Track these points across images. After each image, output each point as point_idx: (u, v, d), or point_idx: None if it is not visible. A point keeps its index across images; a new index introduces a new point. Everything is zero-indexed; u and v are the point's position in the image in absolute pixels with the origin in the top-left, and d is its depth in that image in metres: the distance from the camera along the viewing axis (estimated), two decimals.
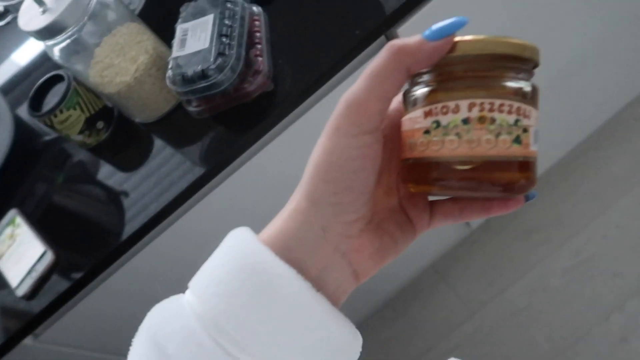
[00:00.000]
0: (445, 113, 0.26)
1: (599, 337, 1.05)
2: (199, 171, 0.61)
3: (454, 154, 0.25)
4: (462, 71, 0.26)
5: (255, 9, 0.65)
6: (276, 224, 0.26)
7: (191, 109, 0.62)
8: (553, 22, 0.79)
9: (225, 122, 0.62)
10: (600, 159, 1.17)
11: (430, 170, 0.27)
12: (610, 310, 1.06)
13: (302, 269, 0.25)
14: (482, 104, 0.25)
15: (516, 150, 0.25)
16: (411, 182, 0.28)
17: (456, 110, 0.25)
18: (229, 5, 0.61)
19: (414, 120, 0.27)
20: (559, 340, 1.07)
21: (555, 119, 1.01)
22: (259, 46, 0.61)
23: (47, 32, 0.58)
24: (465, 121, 0.25)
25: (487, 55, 0.25)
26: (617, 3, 0.85)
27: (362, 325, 1.23)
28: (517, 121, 0.25)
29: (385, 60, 0.25)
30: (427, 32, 0.25)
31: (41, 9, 0.58)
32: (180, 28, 0.62)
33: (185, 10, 0.64)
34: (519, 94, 0.26)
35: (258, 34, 0.62)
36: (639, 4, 0.88)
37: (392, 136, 0.29)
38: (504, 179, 0.26)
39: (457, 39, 0.25)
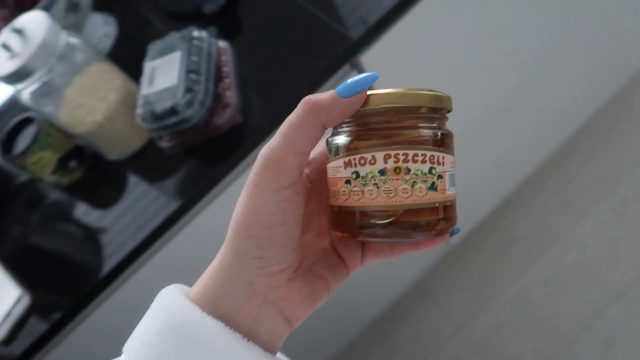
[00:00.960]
0: (363, 164, 0.27)
1: (583, 344, 1.06)
2: (174, 205, 0.61)
3: (374, 203, 0.27)
4: (377, 123, 0.27)
5: (222, 44, 0.66)
6: (204, 280, 0.27)
7: (163, 144, 0.63)
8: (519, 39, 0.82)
9: (198, 155, 0.63)
10: (571, 170, 1.20)
11: (353, 219, 0.28)
12: (592, 318, 1.07)
13: (231, 323, 0.26)
14: (396, 155, 0.26)
15: (433, 197, 0.27)
16: (337, 229, 0.29)
17: (373, 161, 0.27)
18: (195, 41, 0.62)
19: (336, 169, 0.28)
20: (545, 351, 1.08)
21: (525, 134, 1.03)
22: (227, 80, 0.63)
23: (15, 77, 0.58)
24: (382, 172, 0.26)
25: (400, 108, 0.27)
26: None
27: (350, 347, 1.23)
28: (431, 169, 0.27)
29: (301, 117, 0.26)
30: (339, 88, 0.26)
31: (9, 54, 0.58)
32: (148, 66, 0.63)
33: (152, 48, 0.65)
34: (432, 143, 0.27)
35: (226, 68, 0.64)
36: None
37: (321, 179, 0.31)
38: (424, 225, 0.27)
39: (371, 92, 0.27)
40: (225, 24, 0.71)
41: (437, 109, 0.28)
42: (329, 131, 0.29)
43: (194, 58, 0.61)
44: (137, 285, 0.68)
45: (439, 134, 0.28)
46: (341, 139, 0.28)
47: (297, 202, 0.27)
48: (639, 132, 1.18)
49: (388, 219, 0.27)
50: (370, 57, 0.64)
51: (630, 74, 1.18)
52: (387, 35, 0.63)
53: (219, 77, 0.63)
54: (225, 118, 0.61)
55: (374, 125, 0.27)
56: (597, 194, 1.16)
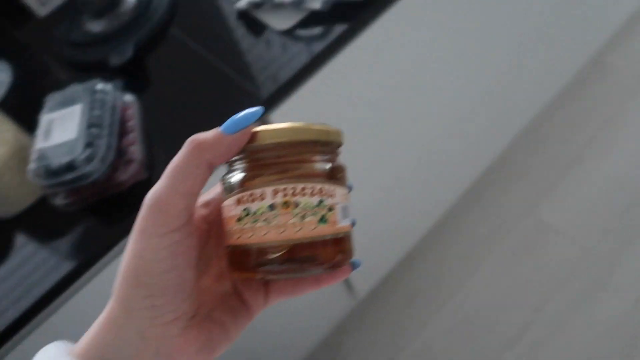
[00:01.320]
0: (253, 200, 0.27)
1: None
2: (65, 268, 0.56)
3: (265, 240, 0.26)
4: (267, 159, 0.27)
5: (128, 97, 0.65)
6: (90, 335, 0.26)
7: (58, 201, 0.58)
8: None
9: (96, 213, 0.59)
10: (468, 222, 1.29)
11: (247, 258, 0.27)
12: None
13: None
14: (284, 189, 0.26)
15: (323, 230, 0.27)
16: (234, 269, 0.28)
17: (262, 197, 0.26)
18: (99, 94, 0.60)
19: (229, 207, 0.28)
20: None
21: (424, 190, 1.10)
22: (132, 135, 0.61)
23: None
24: (271, 207, 0.26)
25: (288, 142, 0.27)
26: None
27: None
28: (320, 202, 0.27)
29: (185, 157, 0.25)
30: (224, 125, 0.26)
31: None
32: (45, 118, 0.60)
33: (51, 99, 0.62)
34: (321, 176, 0.27)
35: (131, 123, 0.62)
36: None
37: (220, 220, 0.30)
38: (318, 258, 0.27)
39: (258, 128, 0.27)
40: (132, 77, 0.69)
41: (326, 143, 0.28)
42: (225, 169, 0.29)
43: (97, 111, 0.58)
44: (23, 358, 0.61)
45: (328, 167, 0.28)
46: (234, 177, 0.28)
47: (189, 245, 0.26)
48: (522, 186, 1.31)
49: (280, 254, 0.27)
50: (280, 114, 0.65)
51: (510, 137, 1.31)
52: (297, 93, 0.66)
53: (123, 132, 0.60)
54: (128, 174, 0.58)
55: (264, 161, 0.27)
56: (490, 244, 1.25)
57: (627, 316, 1.09)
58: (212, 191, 0.31)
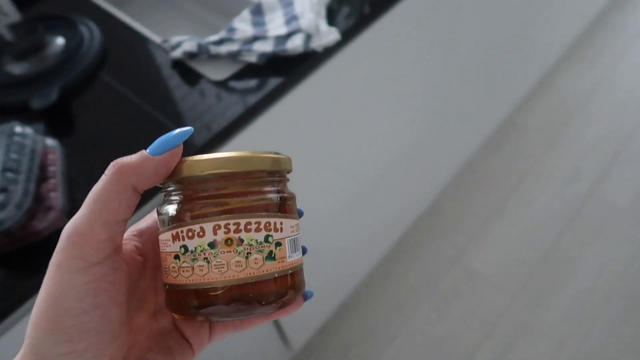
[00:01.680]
0: (192, 237, 0.24)
1: None
2: None
3: (205, 280, 0.24)
4: (206, 190, 0.24)
5: (50, 141, 0.61)
6: None
7: None
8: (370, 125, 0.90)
9: (8, 265, 0.54)
10: (399, 273, 1.31)
11: (187, 299, 0.25)
12: None
13: None
14: (227, 225, 0.24)
15: (271, 267, 0.24)
16: (173, 310, 0.26)
17: (202, 233, 0.24)
18: (17, 137, 0.56)
19: (165, 242, 0.25)
20: None
21: (356, 241, 1.11)
22: (52, 180, 0.57)
23: None
24: (212, 245, 0.24)
25: (229, 174, 0.24)
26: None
27: None
28: (267, 237, 0.24)
29: (108, 182, 0.23)
30: (150, 146, 0.24)
31: None
32: None
33: None
34: (267, 208, 0.25)
35: (52, 168, 0.58)
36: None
37: (157, 252, 0.27)
38: (267, 298, 0.25)
39: (200, 157, 0.24)
40: (55, 121, 0.66)
41: (273, 172, 0.26)
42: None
43: (13, 155, 0.55)
44: None
45: (276, 198, 0.25)
46: (170, 209, 0.25)
47: (115, 280, 0.23)
48: (450, 236, 1.36)
49: (223, 296, 0.24)
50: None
51: (439, 187, 1.37)
52: (231, 142, 0.65)
53: (43, 177, 0.57)
54: (47, 222, 0.54)
55: (203, 194, 0.24)
56: (421, 293, 1.27)
57: (552, 359, 1.13)
58: (147, 219, 0.28)
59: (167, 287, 0.25)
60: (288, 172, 0.27)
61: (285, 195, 0.26)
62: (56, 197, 0.56)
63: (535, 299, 1.23)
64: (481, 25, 1.08)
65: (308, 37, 0.67)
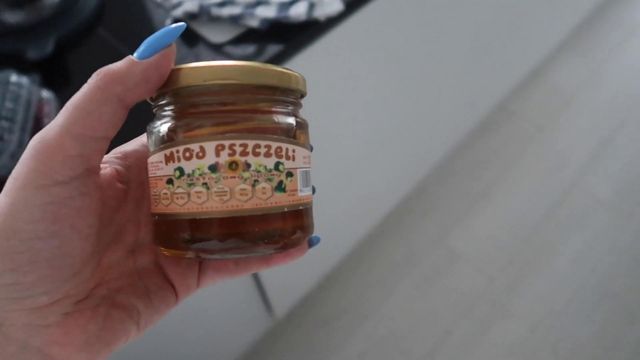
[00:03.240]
0: (189, 158, 0.21)
1: None
2: None
3: (203, 209, 0.20)
4: (208, 105, 0.21)
5: (45, 93, 0.60)
6: None
7: None
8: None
9: None
10: (383, 249, 1.33)
11: (178, 231, 0.21)
12: None
13: None
14: (232, 145, 0.20)
15: (280, 200, 0.21)
16: (160, 244, 0.22)
17: (201, 154, 0.20)
18: (12, 86, 0.56)
19: (156, 165, 0.22)
20: None
21: (342, 216, 1.12)
22: None
23: None
24: (214, 168, 0.20)
25: (237, 86, 0.21)
26: None
27: None
28: (278, 165, 0.21)
29: (90, 90, 0.19)
30: (138, 50, 0.20)
31: None
32: None
33: None
34: (279, 132, 0.21)
35: (47, 120, 0.58)
36: None
37: (142, 180, 0.24)
38: (272, 236, 0.21)
39: (203, 64, 0.21)
40: (51, 73, 0.65)
41: (288, 90, 0.22)
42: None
43: (9, 104, 0.54)
44: None
45: (289, 121, 0.22)
46: (163, 127, 0.21)
47: (82, 207, 0.20)
48: (434, 217, 1.38)
49: (221, 229, 0.20)
50: None
51: (424, 171, 1.39)
52: None
53: (37, 128, 0.56)
54: None
55: (205, 108, 0.21)
56: (403, 271, 1.30)
57: (525, 340, 1.17)
58: (135, 141, 0.25)
59: (156, 217, 0.22)
60: (302, 97, 0.24)
61: (299, 120, 0.23)
62: None
63: (513, 282, 1.26)
64: (481, 9, 1.08)
65: (311, 6, 0.66)
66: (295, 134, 0.22)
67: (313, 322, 1.24)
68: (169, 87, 0.21)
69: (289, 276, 1.04)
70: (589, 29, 1.78)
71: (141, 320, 0.23)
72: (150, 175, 0.22)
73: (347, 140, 0.95)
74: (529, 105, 1.60)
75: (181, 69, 0.21)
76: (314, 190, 0.26)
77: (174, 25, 0.21)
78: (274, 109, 0.22)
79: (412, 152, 1.23)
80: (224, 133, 0.20)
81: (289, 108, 0.23)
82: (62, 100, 0.62)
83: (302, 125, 0.23)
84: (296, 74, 0.23)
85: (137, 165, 0.24)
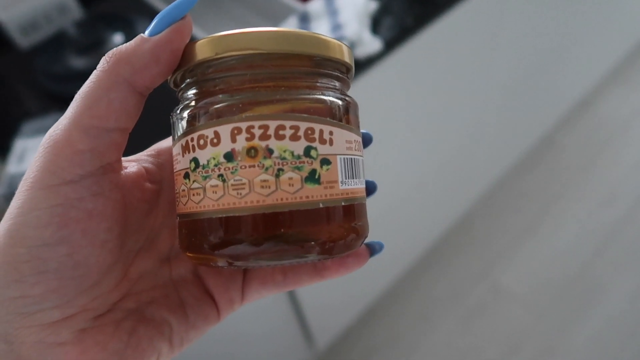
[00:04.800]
0: (203, 146, 0.17)
1: None
2: None
3: (219, 207, 0.17)
4: (222, 82, 0.18)
5: None
6: None
7: None
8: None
9: None
10: (426, 282, 1.31)
11: (197, 233, 0.18)
12: None
13: None
14: (249, 128, 0.17)
15: (313, 192, 0.17)
16: (186, 249, 0.19)
17: (216, 140, 0.17)
18: None
19: (176, 158, 0.19)
20: None
21: (385, 248, 1.12)
22: None
23: None
24: (229, 156, 0.17)
25: (257, 56, 0.17)
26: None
27: None
28: (309, 149, 0.17)
29: (97, 75, 0.17)
30: (149, 27, 0.18)
31: None
32: (20, 144, 0.60)
33: (27, 127, 0.62)
34: (313, 110, 0.18)
35: None
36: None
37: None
38: (313, 238, 0.17)
39: (218, 34, 0.18)
40: None
41: (326, 62, 0.18)
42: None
43: None
44: None
45: (326, 97, 0.18)
46: (182, 112, 0.19)
47: (95, 209, 0.17)
48: (479, 251, 1.35)
49: (246, 229, 0.17)
50: None
51: (468, 204, 1.37)
52: None
53: None
54: None
55: (222, 86, 0.18)
56: (446, 306, 1.27)
57: None
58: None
59: (178, 218, 0.20)
60: (348, 71, 0.20)
61: (341, 96, 0.19)
62: None
63: (563, 322, 1.21)
64: (524, 40, 1.08)
65: (352, 46, 0.70)
66: (337, 114, 0.18)
67: (355, 356, 1.23)
68: (183, 65, 0.18)
69: (330, 305, 1.04)
70: (636, 59, 1.74)
71: (174, 337, 0.20)
72: (174, 171, 0.20)
73: (390, 175, 0.96)
74: (577, 137, 1.57)
75: (195, 42, 0.18)
76: (374, 188, 0.22)
77: None
78: (307, 82, 0.18)
79: (455, 185, 1.23)
80: (241, 114, 0.17)
81: (328, 83, 0.19)
82: None
83: (347, 105, 0.19)
84: (339, 42, 0.19)
85: (171, 163, 0.21)
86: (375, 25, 0.75)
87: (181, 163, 0.18)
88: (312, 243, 0.17)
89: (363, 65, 0.72)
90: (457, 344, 1.21)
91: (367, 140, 0.23)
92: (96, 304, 0.18)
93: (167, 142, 0.22)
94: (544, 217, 1.40)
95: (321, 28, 0.73)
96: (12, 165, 0.57)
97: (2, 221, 0.17)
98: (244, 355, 0.88)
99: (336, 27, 0.72)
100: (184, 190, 0.18)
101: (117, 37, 0.77)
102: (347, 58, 0.19)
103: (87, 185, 0.17)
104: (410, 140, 0.96)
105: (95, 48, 0.77)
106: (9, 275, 0.16)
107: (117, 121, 0.17)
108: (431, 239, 1.32)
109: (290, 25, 0.74)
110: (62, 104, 0.72)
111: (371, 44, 0.71)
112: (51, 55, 0.78)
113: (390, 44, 0.74)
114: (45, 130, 0.60)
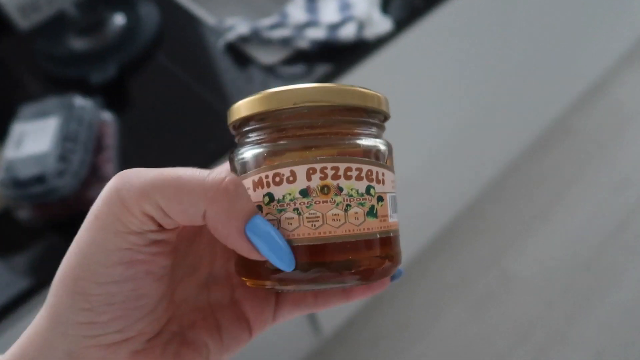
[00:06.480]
0: (279, 183, 0.20)
1: None
2: (22, 285, 0.53)
3: (294, 236, 0.20)
4: (297, 128, 0.21)
5: (107, 115, 0.64)
6: (14, 350, 0.20)
7: (22, 215, 0.56)
8: None
9: (62, 231, 0.57)
10: (435, 269, 1.30)
11: (264, 260, 0.20)
12: None
13: None
14: (323, 169, 0.20)
15: (372, 225, 0.20)
16: (243, 274, 0.22)
17: (292, 178, 0.20)
18: (76, 110, 0.59)
19: None
20: None
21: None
22: (107, 153, 0.59)
23: None
24: (305, 193, 0.20)
25: (326, 108, 0.20)
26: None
27: None
28: (369, 188, 0.20)
29: (197, 186, 0.19)
30: (254, 225, 0.19)
31: None
32: (17, 128, 0.58)
33: (25, 110, 0.60)
34: (369, 154, 0.21)
35: (107, 141, 0.61)
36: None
37: None
38: (362, 264, 0.20)
39: (288, 87, 0.21)
40: (112, 96, 0.68)
41: (375, 112, 0.22)
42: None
43: (73, 126, 0.57)
44: None
45: (378, 144, 0.22)
46: (249, 153, 0.21)
47: (157, 252, 0.19)
48: (488, 238, 1.33)
49: (313, 257, 0.20)
50: None
51: (478, 189, 1.35)
52: None
53: (98, 149, 0.59)
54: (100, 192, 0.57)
55: (294, 132, 0.20)
56: (455, 293, 1.26)
57: None
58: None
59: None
60: (386, 119, 0.23)
61: (385, 143, 0.22)
62: (110, 169, 0.58)
63: (574, 308, 1.19)
64: (538, 22, 1.05)
65: (361, 26, 0.67)
66: (383, 158, 0.22)
67: (362, 342, 1.22)
68: (256, 110, 0.21)
69: None
70: None
71: (210, 358, 0.22)
72: None
73: (399, 159, 0.94)
74: (590, 121, 1.53)
75: (267, 93, 0.21)
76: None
77: (289, 259, 0.20)
78: (363, 131, 0.21)
79: (466, 170, 1.20)
80: (315, 156, 0.20)
81: (376, 130, 0.22)
82: (121, 122, 0.65)
83: (389, 149, 0.22)
84: (380, 95, 0.22)
85: None
86: (385, 4, 0.72)
87: (252, 196, 0.20)
88: (365, 269, 0.20)
89: (373, 46, 0.69)
90: (466, 331, 1.20)
91: None
92: (150, 328, 0.20)
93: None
94: (556, 203, 1.37)
95: (329, 8, 0.70)
96: (9, 150, 0.55)
97: (70, 253, 0.19)
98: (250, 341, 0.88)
99: (344, 6, 0.69)
100: None
101: (118, 18, 0.75)
102: (387, 108, 0.23)
103: (152, 236, 0.19)
104: (420, 123, 0.94)
105: (96, 29, 0.74)
106: (79, 304, 0.18)
107: (184, 221, 0.19)
108: (441, 225, 1.30)
109: (296, 5, 0.71)
110: (62, 86, 0.71)
111: (381, 24, 0.68)
112: (51, 37, 0.76)
113: (401, 24, 0.71)
114: (44, 114, 0.59)
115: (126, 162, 0.61)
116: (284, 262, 0.19)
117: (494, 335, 1.18)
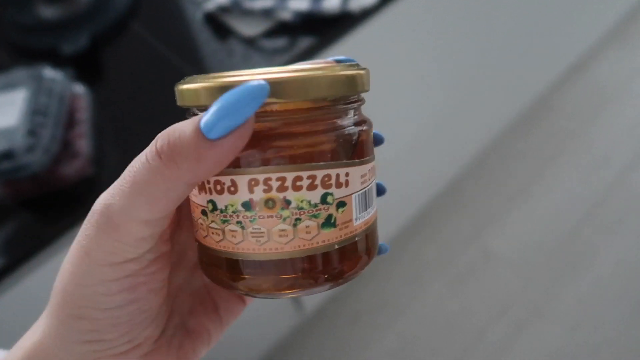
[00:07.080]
0: (220, 192, 0.18)
1: None
2: None
3: (239, 250, 0.18)
4: None
5: (79, 88, 0.61)
6: (19, 356, 0.20)
7: None
8: None
9: (33, 209, 0.55)
10: (416, 246, 1.30)
11: (218, 268, 0.19)
12: None
13: None
14: (267, 180, 0.17)
15: (328, 236, 0.18)
16: (206, 272, 0.21)
17: (234, 189, 0.17)
18: (46, 82, 0.56)
19: (194, 190, 0.19)
20: None
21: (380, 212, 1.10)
22: (79, 127, 0.57)
23: None
24: (247, 206, 0.17)
25: (274, 106, 0.17)
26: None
27: None
28: (326, 196, 0.17)
29: (154, 175, 0.17)
30: (207, 120, 0.16)
31: None
32: None
33: None
34: (326, 155, 0.17)
35: (79, 115, 0.58)
36: None
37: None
38: (323, 274, 0.19)
39: (237, 77, 0.17)
40: (84, 67, 0.65)
41: (344, 98, 0.18)
42: None
43: (43, 99, 0.54)
44: None
45: (343, 138, 0.18)
46: None
47: (156, 269, 0.19)
48: (469, 214, 1.34)
49: (264, 271, 0.18)
50: None
51: (459, 166, 1.35)
52: None
53: (71, 124, 0.56)
54: (73, 169, 0.54)
55: None
56: (435, 269, 1.27)
57: (563, 344, 1.13)
58: None
59: (197, 244, 0.21)
60: (360, 100, 0.20)
61: (358, 129, 0.19)
62: (83, 144, 0.56)
63: (551, 284, 1.22)
64: (522, 0, 1.03)
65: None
66: (352, 151, 0.18)
67: (343, 318, 1.22)
68: (201, 103, 0.18)
69: None
70: (633, 22, 1.70)
71: (212, 339, 0.24)
72: (190, 196, 0.20)
73: (387, 128, 0.93)
74: (570, 100, 1.54)
75: (219, 83, 0.17)
76: (382, 192, 0.23)
77: (253, 86, 0.16)
78: (325, 126, 0.18)
79: (447, 147, 1.20)
80: (259, 165, 0.17)
81: (345, 119, 0.18)
82: (94, 95, 0.62)
83: (362, 134, 0.19)
84: (357, 71, 0.18)
85: None
86: None
87: (198, 198, 0.19)
88: (326, 276, 0.19)
89: (358, 18, 0.67)
90: (446, 307, 1.21)
91: (378, 141, 0.23)
92: (156, 331, 0.21)
93: None
94: (535, 180, 1.39)
95: None
96: None
97: (65, 282, 0.18)
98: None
99: None
100: (201, 224, 0.19)
101: None
102: (367, 84, 0.19)
103: (149, 256, 0.19)
104: (402, 99, 0.92)
105: None
106: (85, 326, 0.19)
107: (174, 207, 0.18)
108: (421, 202, 1.30)
109: None
110: (31, 57, 0.67)
111: None
112: (19, 4, 0.72)
113: None
114: (12, 86, 0.56)
115: (100, 136, 0.59)
116: (255, 89, 0.16)
117: (473, 311, 1.20)
